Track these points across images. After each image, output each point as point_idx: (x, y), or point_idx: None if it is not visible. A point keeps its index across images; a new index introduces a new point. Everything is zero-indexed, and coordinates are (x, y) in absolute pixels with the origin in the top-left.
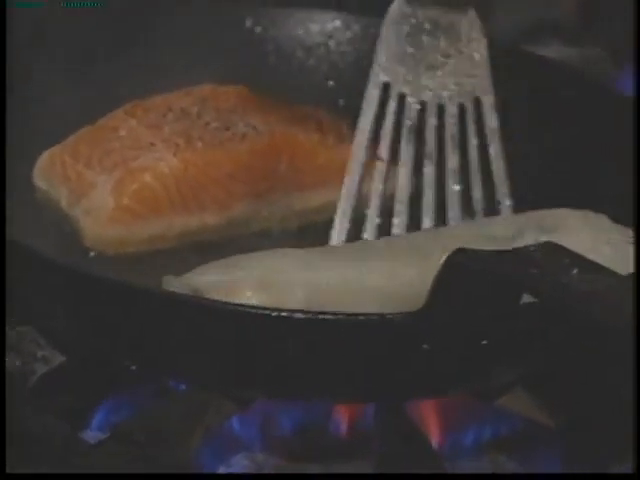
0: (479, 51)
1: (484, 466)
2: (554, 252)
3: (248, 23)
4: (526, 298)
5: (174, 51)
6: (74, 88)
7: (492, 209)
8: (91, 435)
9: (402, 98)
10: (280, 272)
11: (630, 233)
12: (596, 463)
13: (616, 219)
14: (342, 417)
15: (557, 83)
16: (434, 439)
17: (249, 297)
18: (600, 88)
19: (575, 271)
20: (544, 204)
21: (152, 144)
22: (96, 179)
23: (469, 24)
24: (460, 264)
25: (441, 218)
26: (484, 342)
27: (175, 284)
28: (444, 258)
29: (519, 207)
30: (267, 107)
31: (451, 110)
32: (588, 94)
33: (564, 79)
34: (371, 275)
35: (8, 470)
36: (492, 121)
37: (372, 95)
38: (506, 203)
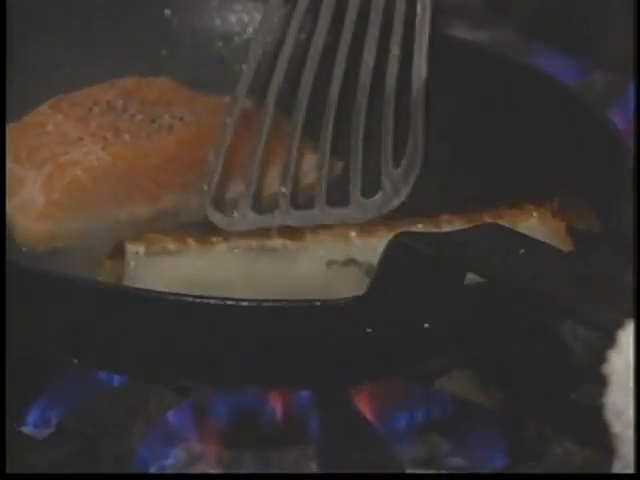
0: None
1: (422, 448)
2: (499, 233)
3: (166, 13)
4: (469, 279)
5: (91, 43)
6: None
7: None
8: (34, 431)
9: None
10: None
11: None
12: (530, 445)
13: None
14: (278, 403)
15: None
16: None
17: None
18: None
19: (522, 251)
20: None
21: (80, 138)
22: (26, 175)
23: None
24: (404, 246)
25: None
26: (427, 325)
27: None
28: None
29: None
30: (192, 97)
31: None
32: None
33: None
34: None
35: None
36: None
37: None
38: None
